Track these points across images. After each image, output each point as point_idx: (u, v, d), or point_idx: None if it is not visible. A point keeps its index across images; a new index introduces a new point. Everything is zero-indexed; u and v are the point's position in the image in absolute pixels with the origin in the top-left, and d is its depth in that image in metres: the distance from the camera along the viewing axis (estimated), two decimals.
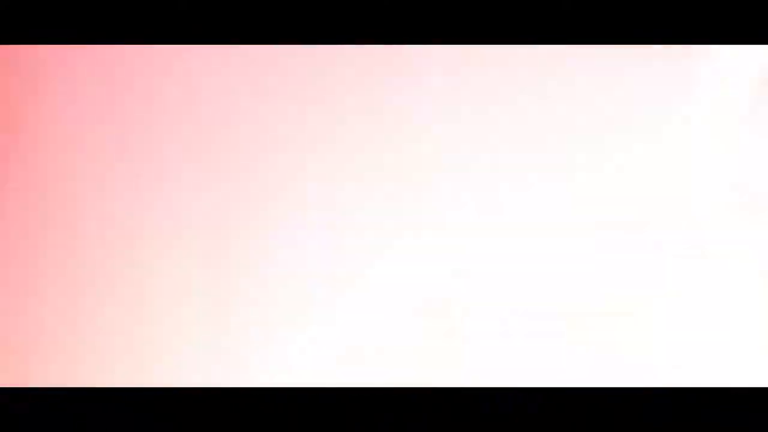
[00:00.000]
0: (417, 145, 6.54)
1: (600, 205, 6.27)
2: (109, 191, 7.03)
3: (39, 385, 6.14)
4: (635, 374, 6.02)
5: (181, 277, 6.91)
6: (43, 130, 7.26)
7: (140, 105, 7.09)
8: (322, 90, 6.67)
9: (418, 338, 6.38)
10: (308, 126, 6.78)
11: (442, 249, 6.49)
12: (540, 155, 6.42)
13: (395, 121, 6.51)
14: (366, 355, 6.42)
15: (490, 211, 6.41)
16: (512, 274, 6.35)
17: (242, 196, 6.83)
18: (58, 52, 7.14)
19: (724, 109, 6.35)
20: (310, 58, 6.65)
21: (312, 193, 6.69)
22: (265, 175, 6.84)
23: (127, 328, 6.85)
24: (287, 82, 6.69)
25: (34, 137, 7.40)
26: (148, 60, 6.99)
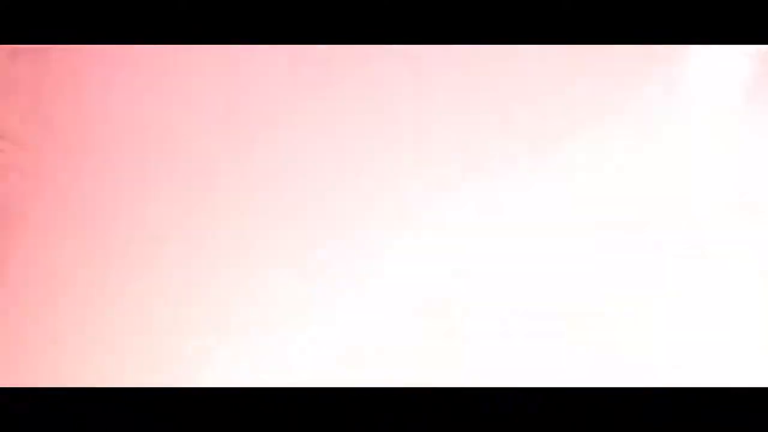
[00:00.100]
0: (417, 146, 6.54)
1: (600, 205, 6.27)
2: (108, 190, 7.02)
3: (43, 385, 6.14)
4: (635, 374, 6.02)
5: (181, 278, 6.91)
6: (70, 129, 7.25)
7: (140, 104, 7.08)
8: (323, 90, 6.66)
9: (418, 338, 6.38)
10: (309, 126, 6.77)
11: (442, 249, 6.48)
12: (540, 155, 6.42)
13: (395, 123, 6.51)
14: (366, 355, 6.42)
15: (490, 211, 6.41)
16: (512, 274, 6.35)
17: (242, 197, 6.82)
18: (94, 52, 7.12)
19: (724, 110, 6.35)
20: (315, 58, 6.65)
21: (312, 194, 6.69)
22: (265, 175, 6.83)
23: (126, 328, 6.84)
24: (290, 83, 6.68)
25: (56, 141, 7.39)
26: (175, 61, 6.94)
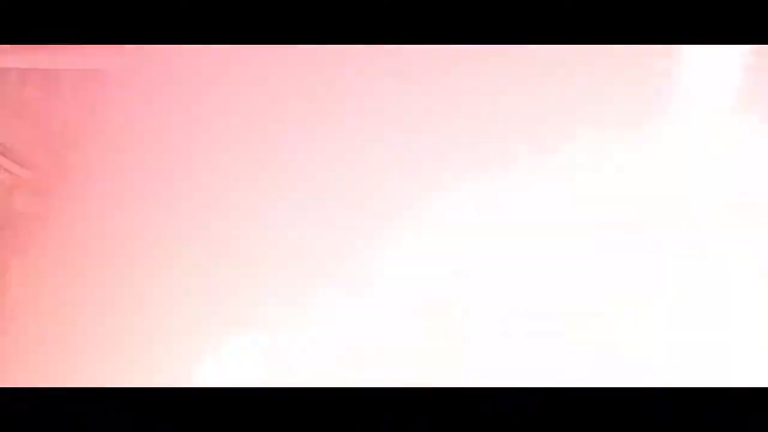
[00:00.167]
0: (417, 146, 6.52)
1: (600, 205, 6.26)
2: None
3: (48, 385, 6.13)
4: (635, 374, 6.00)
5: (180, 278, 6.91)
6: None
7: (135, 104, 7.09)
8: (322, 91, 6.66)
9: (418, 338, 6.36)
10: (308, 127, 6.77)
11: (442, 249, 6.47)
12: (540, 156, 6.41)
13: (395, 123, 6.49)
14: (366, 355, 6.40)
15: (490, 212, 6.39)
16: (512, 274, 6.33)
17: (242, 197, 6.82)
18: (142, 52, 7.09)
19: (724, 110, 6.34)
20: (315, 58, 6.64)
21: (312, 194, 6.69)
22: (264, 176, 6.83)
23: (125, 328, 6.84)
24: (289, 83, 6.68)
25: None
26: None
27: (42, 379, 6.27)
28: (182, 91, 6.98)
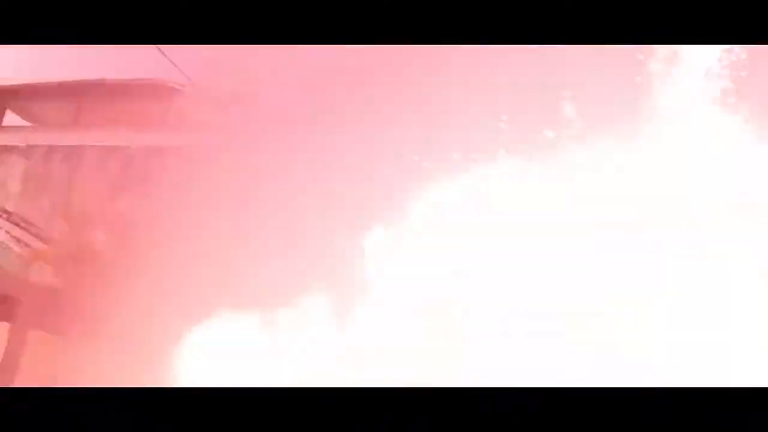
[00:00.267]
0: (416, 148, 6.52)
1: (600, 205, 6.25)
2: None
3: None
4: (635, 374, 5.99)
5: (177, 278, 6.94)
6: None
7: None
8: (319, 91, 6.67)
9: (418, 338, 6.35)
10: (307, 128, 6.78)
11: (441, 249, 6.47)
12: (539, 156, 6.41)
13: (395, 124, 6.49)
14: (366, 355, 6.40)
15: (489, 212, 6.40)
16: (512, 274, 6.32)
17: (240, 197, 6.84)
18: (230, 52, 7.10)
19: (724, 111, 6.33)
20: (314, 58, 6.64)
21: (311, 195, 6.70)
22: (264, 176, 6.85)
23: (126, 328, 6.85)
24: (288, 82, 6.69)
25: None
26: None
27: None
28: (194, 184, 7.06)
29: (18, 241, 13.29)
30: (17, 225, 13.70)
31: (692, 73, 6.37)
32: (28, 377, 8.20)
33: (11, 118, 16.60)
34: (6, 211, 14.43)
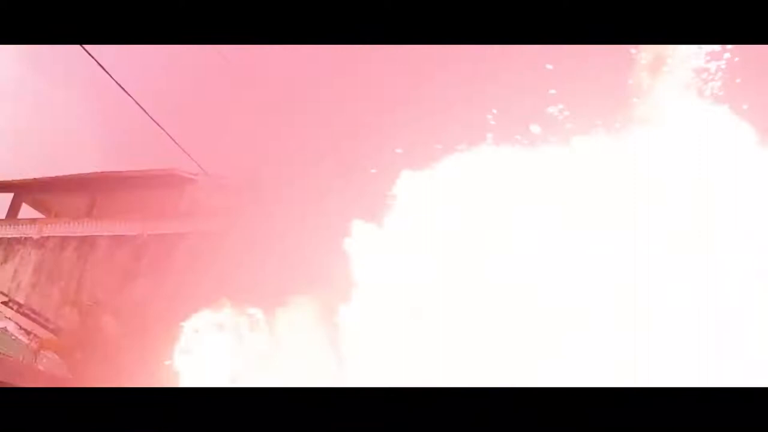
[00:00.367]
0: (415, 146, 6.68)
1: (599, 205, 6.36)
2: None
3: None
4: (635, 374, 5.96)
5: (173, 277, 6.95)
6: None
7: None
8: (316, 90, 6.90)
9: (418, 338, 6.35)
10: (305, 129, 6.99)
11: (441, 249, 6.55)
12: (540, 155, 6.53)
13: (392, 124, 6.69)
14: (366, 354, 6.39)
15: (490, 211, 6.48)
16: (512, 274, 6.37)
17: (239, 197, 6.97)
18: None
19: (724, 109, 6.48)
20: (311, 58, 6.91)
21: (311, 194, 6.83)
22: (261, 176, 7.01)
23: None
24: (288, 81, 6.94)
25: None
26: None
27: None
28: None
29: (27, 332, 13.37)
30: (27, 316, 13.81)
31: (681, 72, 6.55)
32: None
33: (26, 210, 17.03)
34: (16, 303, 14.57)
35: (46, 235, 15.75)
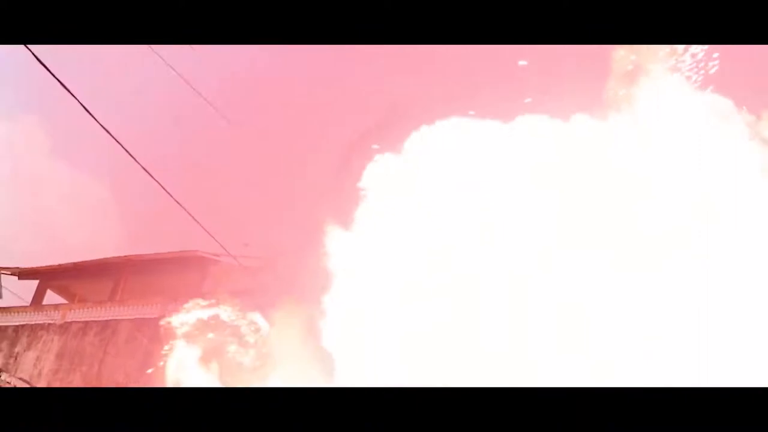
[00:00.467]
0: (413, 147, 6.82)
1: (598, 204, 6.43)
2: None
3: None
4: (635, 374, 5.89)
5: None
6: None
7: None
8: (311, 90, 7.08)
9: (419, 338, 6.34)
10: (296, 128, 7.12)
11: (440, 248, 6.59)
12: (539, 156, 6.62)
13: (388, 125, 6.84)
14: (366, 355, 6.37)
15: (497, 218, 6.53)
16: (512, 274, 6.38)
17: (235, 196, 7.08)
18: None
19: (723, 110, 6.58)
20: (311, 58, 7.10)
21: (309, 196, 6.93)
22: (259, 176, 7.13)
23: None
24: (285, 81, 7.14)
25: None
26: None
27: None
28: None
29: None
30: None
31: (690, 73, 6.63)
32: None
33: (51, 296, 17.25)
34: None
35: (69, 320, 15.89)
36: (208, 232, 12.73)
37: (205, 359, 7.54)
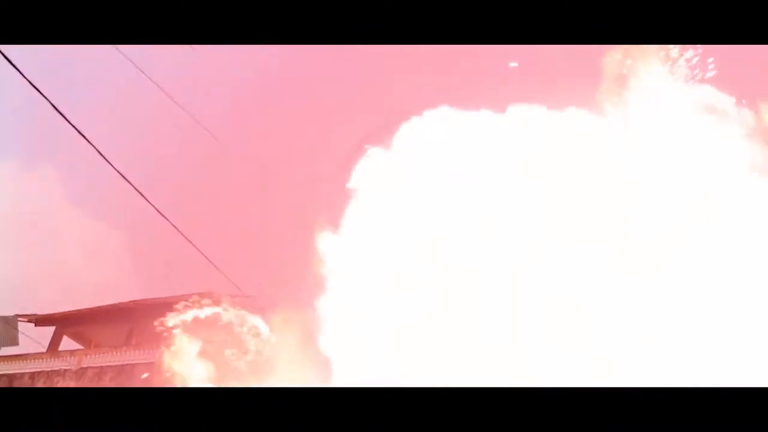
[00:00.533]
0: (403, 139, 6.88)
1: (597, 203, 6.52)
2: None
3: None
4: (635, 374, 5.96)
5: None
6: None
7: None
8: (306, 90, 7.14)
9: (420, 338, 6.41)
10: (294, 128, 7.22)
11: (439, 248, 6.66)
12: (539, 156, 6.70)
13: (385, 125, 6.91)
14: (366, 355, 6.44)
15: (489, 211, 6.62)
16: (511, 274, 6.45)
17: (232, 196, 7.15)
18: None
19: (724, 110, 6.70)
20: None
21: (309, 196, 7.03)
22: (257, 176, 7.23)
23: None
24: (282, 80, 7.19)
25: None
26: None
27: None
28: None
29: None
30: None
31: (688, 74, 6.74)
32: None
33: (67, 342, 17.35)
34: None
35: (85, 365, 15.97)
36: (220, 271, 12.78)
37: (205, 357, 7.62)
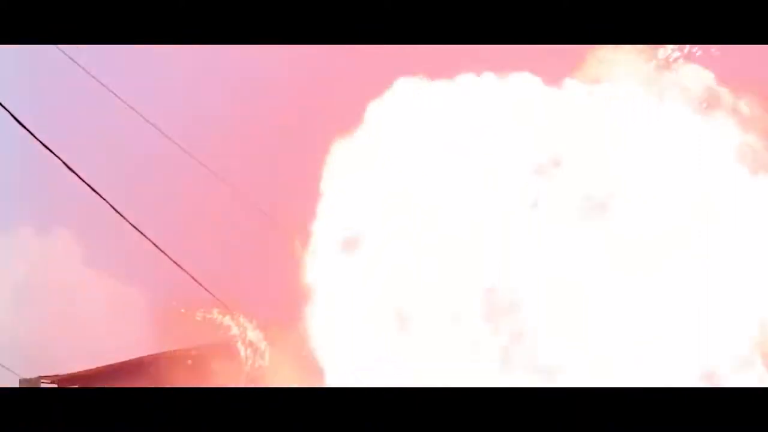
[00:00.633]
0: (411, 146, 6.84)
1: (596, 202, 6.46)
2: None
3: None
4: (635, 374, 5.90)
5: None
6: None
7: None
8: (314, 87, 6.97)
9: (420, 338, 6.34)
10: (290, 128, 7.06)
11: (439, 248, 6.60)
12: (539, 156, 6.65)
13: (387, 122, 6.86)
14: (366, 355, 6.36)
15: (489, 211, 6.58)
16: (511, 274, 6.40)
17: (229, 195, 7.00)
18: None
19: (724, 110, 6.67)
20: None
21: (308, 196, 6.94)
22: (255, 176, 7.06)
23: None
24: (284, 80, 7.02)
25: None
26: None
27: None
28: None
29: None
30: None
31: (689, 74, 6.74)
32: None
33: None
34: None
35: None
36: (230, 309, 12.61)
37: None
